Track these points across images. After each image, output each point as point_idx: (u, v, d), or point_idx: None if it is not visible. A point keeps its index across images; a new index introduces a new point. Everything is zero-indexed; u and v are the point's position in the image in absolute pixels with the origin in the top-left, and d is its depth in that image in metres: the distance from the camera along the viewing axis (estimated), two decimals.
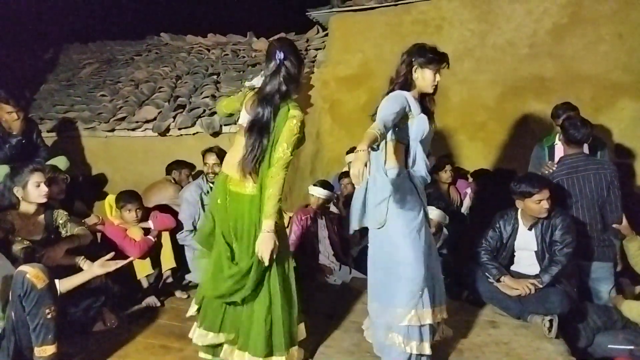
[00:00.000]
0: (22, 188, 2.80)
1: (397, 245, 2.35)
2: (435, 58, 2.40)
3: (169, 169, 4.44)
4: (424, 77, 2.42)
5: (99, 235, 3.54)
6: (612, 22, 4.42)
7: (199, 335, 2.51)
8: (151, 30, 7.31)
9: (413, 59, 2.41)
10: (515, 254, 3.25)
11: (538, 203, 2.97)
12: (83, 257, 2.88)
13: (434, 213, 3.66)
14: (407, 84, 2.43)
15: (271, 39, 6.28)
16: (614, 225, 3.14)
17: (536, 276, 3.04)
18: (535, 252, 3.15)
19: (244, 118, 2.36)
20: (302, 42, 6.03)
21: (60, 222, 2.98)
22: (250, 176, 2.30)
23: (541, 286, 2.96)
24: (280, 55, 2.27)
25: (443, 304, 2.51)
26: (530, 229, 3.16)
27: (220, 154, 3.63)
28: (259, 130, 2.25)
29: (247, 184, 2.32)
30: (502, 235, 3.22)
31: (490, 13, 4.82)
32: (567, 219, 3.09)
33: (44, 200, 2.85)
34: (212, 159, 3.74)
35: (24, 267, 2.30)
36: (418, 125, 2.38)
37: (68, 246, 2.86)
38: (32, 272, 2.26)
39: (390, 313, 2.37)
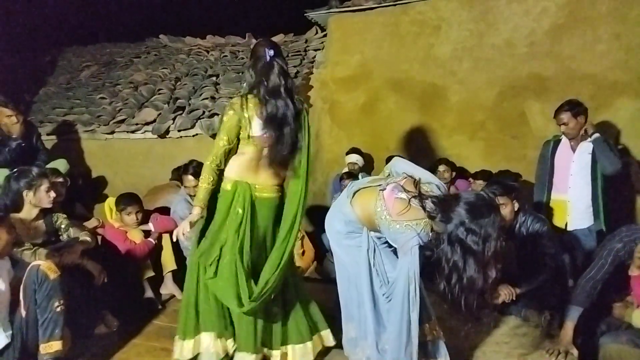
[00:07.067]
0: (32, 192, 2.79)
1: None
2: None
3: (175, 174, 4.41)
4: None
5: (99, 238, 3.55)
6: (610, 22, 4.43)
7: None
8: (150, 32, 7.32)
9: None
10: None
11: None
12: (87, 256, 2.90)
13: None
14: None
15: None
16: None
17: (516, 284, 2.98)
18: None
19: (258, 127, 2.32)
20: (301, 42, 6.04)
21: (62, 226, 2.98)
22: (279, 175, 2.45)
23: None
24: (270, 52, 2.34)
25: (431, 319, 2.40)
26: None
27: (199, 170, 3.07)
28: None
29: (275, 187, 2.46)
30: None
31: (488, 13, 4.82)
32: (545, 225, 3.08)
33: (51, 205, 2.87)
34: (190, 180, 3.66)
35: (36, 262, 2.40)
36: None
37: (83, 248, 2.91)
38: (45, 265, 2.35)
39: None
